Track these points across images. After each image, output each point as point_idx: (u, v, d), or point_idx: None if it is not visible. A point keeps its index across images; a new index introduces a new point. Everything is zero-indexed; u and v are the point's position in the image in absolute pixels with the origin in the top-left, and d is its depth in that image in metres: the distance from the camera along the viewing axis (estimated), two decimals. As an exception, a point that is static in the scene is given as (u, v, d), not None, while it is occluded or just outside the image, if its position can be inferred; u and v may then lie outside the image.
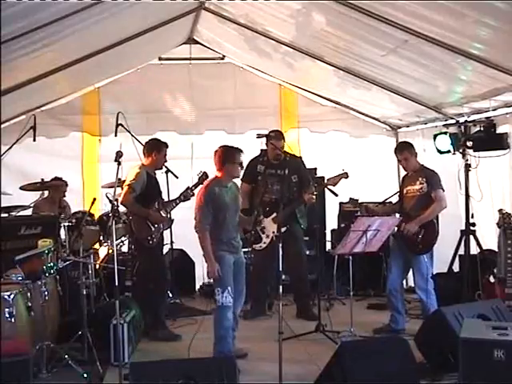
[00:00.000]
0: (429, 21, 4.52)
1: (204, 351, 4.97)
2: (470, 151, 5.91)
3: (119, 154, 4.71)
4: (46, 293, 4.80)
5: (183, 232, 6.60)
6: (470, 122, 6.07)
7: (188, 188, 5.88)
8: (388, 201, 6.69)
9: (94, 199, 5.69)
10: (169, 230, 6.46)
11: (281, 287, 4.56)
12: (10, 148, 6.29)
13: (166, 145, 5.94)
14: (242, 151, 5.07)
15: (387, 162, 7.56)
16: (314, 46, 6.25)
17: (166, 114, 8.17)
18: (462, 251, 6.05)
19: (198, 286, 7.82)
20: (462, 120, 6.24)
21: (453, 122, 6.40)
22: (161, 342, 5.68)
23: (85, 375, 4.59)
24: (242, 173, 5.31)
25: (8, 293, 4.59)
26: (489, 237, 6.15)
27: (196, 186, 5.79)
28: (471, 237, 5.92)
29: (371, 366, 4.05)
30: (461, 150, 5.95)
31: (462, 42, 4.73)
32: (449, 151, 6.10)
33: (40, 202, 6.92)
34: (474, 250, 5.94)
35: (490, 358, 3.74)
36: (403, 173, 6.19)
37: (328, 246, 7.85)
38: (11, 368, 3.86)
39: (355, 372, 4.01)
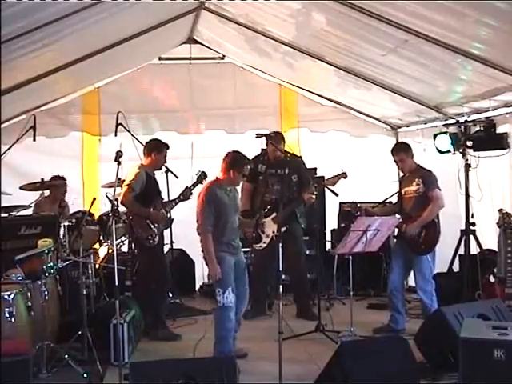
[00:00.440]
0: (429, 21, 4.52)
1: (204, 351, 4.97)
2: (470, 151, 5.90)
3: (119, 154, 4.71)
4: (46, 293, 4.80)
5: (183, 232, 6.60)
6: (469, 121, 6.06)
7: (187, 188, 5.87)
8: (388, 201, 6.70)
9: (94, 199, 5.68)
10: (169, 229, 6.47)
11: (281, 287, 4.57)
12: (10, 148, 6.30)
13: (166, 146, 5.93)
14: (251, 162, 5.08)
15: (387, 161, 7.52)
16: (314, 46, 6.25)
17: (165, 114, 8.17)
18: (462, 251, 6.05)
19: (198, 286, 7.82)
20: (462, 120, 6.24)
21: (453, 121, 6.40)
22: (161, 341, 5.67)
23: (85, 375, 4.59)
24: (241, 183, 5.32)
25: (8, 293, 4.59)
26: (489, 237, 6.14)
27: (195, 185, 5.79)
28: (471, 237, 5.92)
29: (371, 366, 4.05)
30: (461, 150, 5.95)
31: (462, 42, 4.73)
32: (449, 151, 6.10)
33: (41, 201, 6.92)
34: (474, 249, 5.94)
35: (490, 357, 3.74)
36: (402, 172, 6.19)
37: (328, 245, 7.85)
38: (11, 368, 3.86)
39: (355, 372, 4.01)
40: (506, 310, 4.90)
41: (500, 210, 5.50)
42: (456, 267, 6.22)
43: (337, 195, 6.13)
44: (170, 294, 6.79)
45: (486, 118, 5.82)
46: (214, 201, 4.92)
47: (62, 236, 6.12)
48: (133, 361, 4.89)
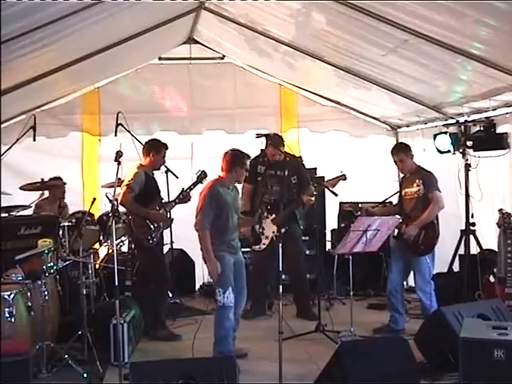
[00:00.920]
0: (429, 21, 4.52)
1: (204, 351, 4.97)
2: (470, 151, 5.90)
3: (119, 154, 4.71)
4: (46, 293, 4.80)
5: (183, 232, 6.60)
6: (469, 121, 6.06)
7: (183, 190, 5.87)
8: (388, 201, 6.69)
9: (94, 199, 5.68)
10: (169, 229, 6.47)
11: (281, 287, 4.57)
12: (10, 148, 6.30)
13: (165, 146, 5.93)
14: (250, 157, 5.12)
15: (387, 161, 7.51)
16: (314, 46, 6.25)
17: (165, 113, 8.17)
18: (462, 251, 6.05)
19: (198, 286, 7.82)
20: (462, 120, 6.24)
21: (453, 121, 6.39)
22: (161, 341, 5.68)
23: (85, 375, 4.59)
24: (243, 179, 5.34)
25: (8, 293, 4.59)
26: (489, 237, 6.14)
27: (195, 184, 5.78)
28: (471, 237, 5.91)
29: (371, 366, 4.05)
30: (461, 150, 5.94)
31: (462, 42, 4.73)
32: (449, 151, 6.10)
33: (41, 201, 6.93)
34: (474, 249, 5.93)
35: (490, 357, 3.74)
36: (402, 173, 6.19)
37: (328, 245, 7.85)
38: (11, 368, 3.86)
39: (355, 372, 4.01)
40: (506, 309, 4.90)
41: (500, 210, 5.50)
42: (456, 267, 6.22)
43: (336, 195, 6.13)
44: (170, 294, 6.79)
45: (486, 117, 5.81)
46: (216, 199, 4.93)
47: (61, 236, 6.12)
48: (133, 361, 4.90)
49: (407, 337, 4.88)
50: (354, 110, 8.24)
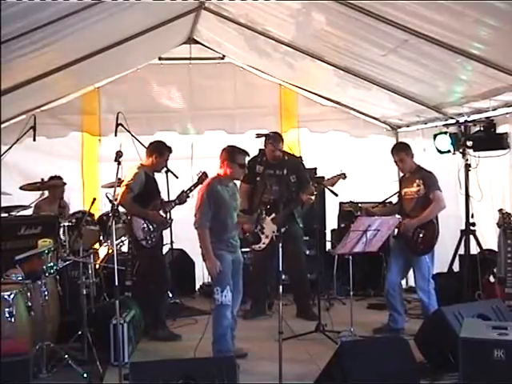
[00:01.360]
0: (429, 21, 4.52)
1: (204, 351, 4.97)
2: (470, 151, 5.90)
3: (119, 154, 4.71)
4: (46, 293, 4.80)
5: (183, 232, 6.59)
6: (469, 121, 6.06)
7: (183, 191, 5.86)
8: (388, 201, 6.69)
9: (94, 199, 5.68)
10: (169, 230, 6.46)
11: (281, 287, 4.57)
12: (10, 148, 6.30)
13: (169, 150, 5.90)
14: (247, 153, 5.11)
15: (387, 162, 7.51)
16: (314, 46, 6.25)
17: (165, 114, 8.17)
18: (462, 251, 6.05)
19: (198, 286, 7.82)
20: (461, 120, 6.24)
21: (453, 121, 6.39)
22: (161, 342, 5.67)
23: (85, 375, 4.59)
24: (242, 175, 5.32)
25: (8, 293, 4.60)
26: (489, 237, 6.15)
27: (195, 185, 5.78)
28: (471, 237, 5.92)
29: (371, 366, 4.05)
30: (461, 150, 5.95)
31: (462, 42, 4.73)
32: (449, 151, 6.10)
33: (40, 202, 6.92)
34: (474, 249, 5.94)
35: (490, 357, 3.74)
36: (402, 173, 6.19)
37: (328, 245, 7.85)
38: (11, 368, 3.86)
39: (355, 372, 4.01)
40: (506, 309, 4.90)
41: (500, 210, 5.50)
42: (456, 267, 6.22)
43: (336, 195, 6.12)
44: (170, 294, 6.79)
45: (486, 118, 5.82)
46: (215, 197, 4.93)
47: (62, 236, 6.12)
48: (133, 361, 4.89)
49: (407, 337, 4.88)
50: (354, 110, 8.24)
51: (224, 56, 8.08)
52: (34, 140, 6.26)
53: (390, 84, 6.52)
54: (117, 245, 6.57)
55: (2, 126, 6.84)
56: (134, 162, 5.85)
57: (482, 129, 5.82)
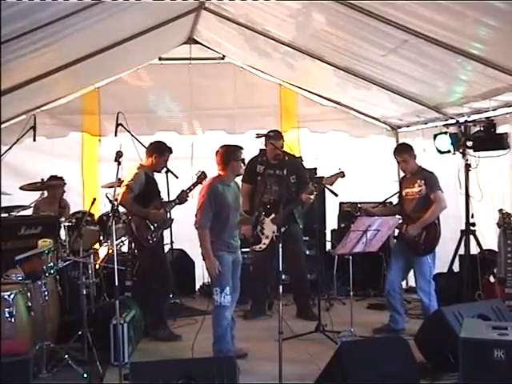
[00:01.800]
0: (429, 21, 4.52)
1: (204, 351, 4.97)
2: (470, 151, 5.90)
3: (119, 154, 4.71)
4: (46, 293, 4.80)
5: (183, 232, 6.59)
6: (469, 121, 6.07)
7: (183, 191, 5.87)
8: (388, 201, 6.69)
9: (94, 199, 5.69)
10: (169, 230, 6.46)
11: (281, 287, 4.57)
12: (10, 148, 6.30)
13: (169, 150, 5.90)
14: (242, 148, 5.12)
15: (387, 162, 7.54)
16: (314, 46, 6.25)
17: (165, 114, 8.16)
18: (462, 251, 6.06)
19: (198, 286, 7.82)
20: (462, 120, 6.24)
21: (453, 121, 6.40)
22: (161, 342, 5.68)
23: (85, 375, 4.59)
24: (243, 171, 5.31)
25: (8, 293, 4.60)
26: (489, 237, 6.15)
27: (194, 185, 5.78)
28: (471, 237, 5.92)
29: (371, 366, 4.06)
30: (461, 150, 5.96)
31: (462, 42, 4.73)
32: (449, 151, 6.10)
33: (40, 202, 6.92)
34: (474, 249, 5.94)
35: (490, 357, 3.74)
36: (403, 173, 6.19)
37: (328, 246, 7.85)
38: (11, 368, 3.86)
39: (355, 372, 4.01)
40: (506, 310, 4.90)
41: (500, 210, 5.50)
42: (456, 267, 6.23)
43: (336, 195, 6.12)
44: (171, 295, 6.79)
45: (486, 118, 5.82)
46: (216, 197, 4.93)
47: (62, 236, 6.12)
48: (133, 361, 4.89)
49: (407, 337, 4.88)
50: (354, 110, 8.24)
51: (224, 56, 8.08)
52: (34, 140, 6.26)
53: (389, 84, 6.52)
54: (117, 245, 6.57)
55: (2, 126, 6.84)
56: (134, 162, 5.85)
57: (482, 129, 5.82)
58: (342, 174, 6.11)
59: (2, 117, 6.02)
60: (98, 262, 6.64)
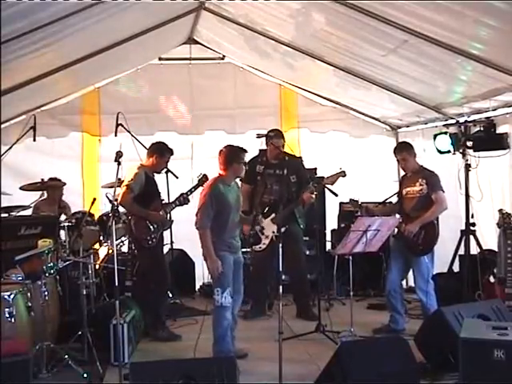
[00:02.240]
0: (429, 21, 4.52)
1: (204, 351, 4.97)
2: (470, 151, 5.90)
3: (119, 154, 4.71)
4: (46, 293, 4.80)
5: (183, 232, 6.60)
6: (470, 121, 6.06)
7: (182, 194, 5.87)
8: (388, 201, 6.69)
9: (94, 199, 5.68)
10: (169, 230, 6.46)
11: (281, 287, 4.57)
12: (10, 148, 6.30)
13: (170, 151, 5.90)
14: (246, 151, 5.13)
15: (387, 162, 7.55)
16: (314, 46, 6.25)
17: (165, 114, 8.17)
18: (462, 251, 6.05)
19: (198, 286, 7.82)
20: (462, 120, 6.24)
21: (453, 121, 6.40)
22: (161, 342, 5.67)
23: (85, 375, 4.59)
24: (243, 173, 5.31)
25: (8, 293, 4.59)
26: (489, 237, 6.15)
27: (196, 188, 5.78)
28: (471, 237, 5.92)
29: (371, 366, 4.06)
30: (461, 150, 5.95)
31: (461, 42, 4.73)
32: (449, 151, 6.10)
33: (40, 202, 6.92)
34: (474, 250, 5.94)
35: (490, 357, 3.74)
36: (403, 173, 6.18)
37: (328, 246, 7.85)
38: (11, 368, 3.86)
39: (355, 372, 4.01)
40: (505, 310, 4.90)
41: (500, 211, 5.49)
42: (456, 267, 6.22)
43: (336, 195, 6.13)
44: (170, 294, 6.79)
45: (486, 118, 5.82)
46: (217, 197, 4.93)
47: (62, 236, 6.12)
48: (133, 361, 4.89)
49: (407, 337, 4.88)
50: (354, 110, 8.24)
51: (224, 56, 8.08)
52: (34, 140, 6.26)
53: (389, 84, 6.52)
54: (117, 245, 6.57)
55: (2, 126, 6.84)
56: (134, 162, 5.85)
57: (482, 129, 5.82)
58: (343, 174, 6.11)
59: (2, 117, 6.02)
60: (98, 262, 6.63)
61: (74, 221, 6.35)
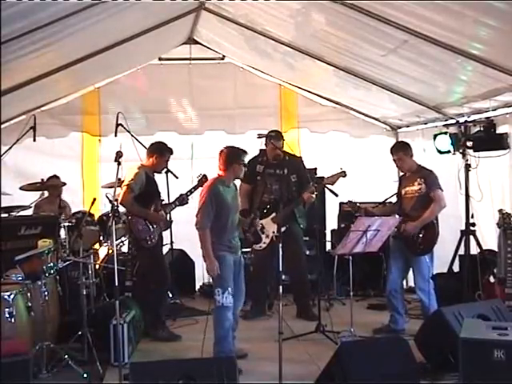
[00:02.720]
0: (429, 21, 4.52)
1: (204, 351, 4.97)
2: (470, 151, 5.90)
3: (119, 154, 4.72)
4: (46, 293, 4.80)
5: (183, 232, 6.60)
6: (470, 121, 6.06)
7: (181, 195, 5.87)
8: (388, 201, 6.69)
9: (94, 199, 5.69)
10: (169, 230, 6.46)
11: (281, 287, 4.57)
12: (10, 148, 6.30)
13: (170, 151, 5.92)
14: (246, 152, 5.14)
15: (387, 162, 7.52)
16: (314, 46, 6.25)
17: (166, 114, 8.16)
18: (462, 251, 6.05)
19: (198, 286, 7.82)
20: (462, 120, 6.23)
21: (453, 121, 6.40)
22: (161, 342, 5.68)
23: (85, 375, 4.59)
24: (243, 174, 5.31)
25: (8, 293, 4.60)
26: (489, 237, 6.15)
27: (195, 188, 5.78)
28: (471, 237, 5.92)
29: (371, 367, 4.06)
30: (461, 150, 5.95)
31: (461, 42, 4.73)
32: (449, 151, 6.10)
33: (40, 202, 6.93)
34: (474, 250, 5.94)
35: (490, 357, 3.74)
36: (402, 172, 6.19)
37: (328, 246, 7.85)
38: (11, 368, 3.86)
39: (355, 372, 4.01)
40: (506, 310, 4.90)
41: (500, 211, 5.50)
42: (456, 267, 6.22)
43: (337, 195, 6.13)
44: (170, 294, 6.79)
45: (486, 118, 5.81)
46: (217, 198, 4.93)
47: (62, 236, 6.12)
48: (133, 361, 4.89)
49: (407, 337, 4.88)
50: (354, 110, 8.24)
51: (224, 56, 8.08)
52: (34, 140, 6.26)
53: (389, 84, 6.52)
54: (117, 245, 6.57)
55: (2, 126, 6.84)
56: (134, 162, 5.85)
57: (481, 129, 5.82)
58: (343, 174, 6.11)
59: (2, 117, 6.02)
60: (98, 262, 6.64)
61: (74, 221, 6.35)
